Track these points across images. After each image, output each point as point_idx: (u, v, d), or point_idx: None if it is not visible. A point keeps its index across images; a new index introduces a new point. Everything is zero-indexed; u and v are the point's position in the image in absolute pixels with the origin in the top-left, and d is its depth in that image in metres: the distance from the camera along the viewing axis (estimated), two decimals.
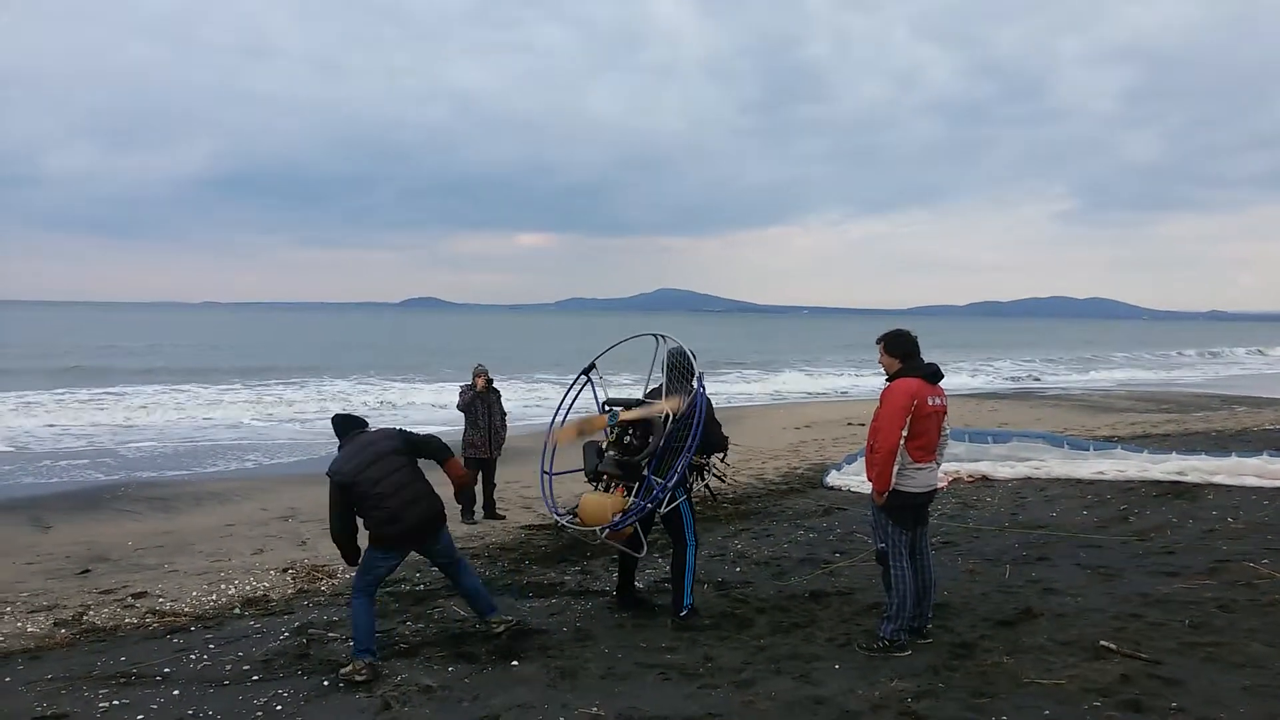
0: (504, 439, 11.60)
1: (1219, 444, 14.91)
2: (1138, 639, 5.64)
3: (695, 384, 6.38)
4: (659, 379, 6.82)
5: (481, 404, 11.33)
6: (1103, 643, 5.55)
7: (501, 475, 12.07)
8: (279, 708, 5.16)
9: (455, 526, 10.85)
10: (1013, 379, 43.05)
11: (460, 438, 11.37)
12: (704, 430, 6.26)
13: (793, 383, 39.76)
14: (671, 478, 6.19)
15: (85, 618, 7.35)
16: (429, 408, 27.93)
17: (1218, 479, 11.38)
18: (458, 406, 11.48)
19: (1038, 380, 42.32)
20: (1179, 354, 64.63)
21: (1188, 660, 5.26)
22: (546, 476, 7.01)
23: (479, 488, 11.38)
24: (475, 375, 11.48)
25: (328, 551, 9.56)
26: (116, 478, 14.88)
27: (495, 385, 11.70)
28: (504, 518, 11.32)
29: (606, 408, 6.75)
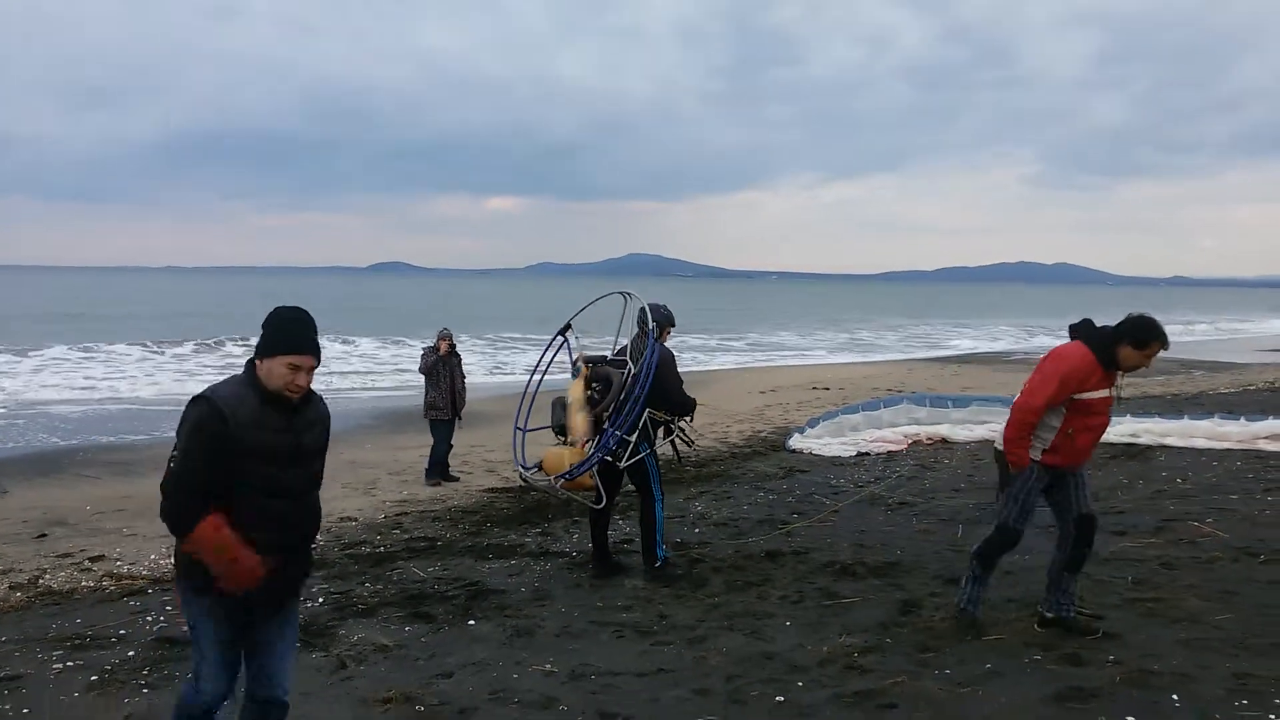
0: (465, 401, 11.67)
1: (1174, 407, 15.20)
2: (1082, 595, 5.76)
3: (649, 339, 6.47)
4: (625, 341, 6.91)
5: (444, 367, 11.40)
6: (1039, 608, 5.68)
7: (465, 439, 12.10)
8: None
9: (419, 489, 10.93)
10: (978, 343, 43.49)
11: (421, 399, 11.56)
12: (665, 387, 6.37)
13: (760, 346, 39.96)
14: (619, 421, 6.27)
15: (41, 581, 7.30)
16: (392, 370, 27.83)
17: (1169, 441, 11.65)
18: (420, 369, 11.64)
19: (1001, 344, 42.79)
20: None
21: (1128, 615, 5.41)
22: (519, 433, 7.09)
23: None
24: (439, 339, 11.54)
25: None
26: (75, 442, 14.72)
27: (458, 349, 11.78)
28: (458, 479, 11.39)
29: (576, 365, 6.85)
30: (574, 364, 6.85)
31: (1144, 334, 4.86)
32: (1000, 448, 5.17)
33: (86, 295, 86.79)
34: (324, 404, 3.69)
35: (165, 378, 24.68)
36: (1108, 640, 5.01)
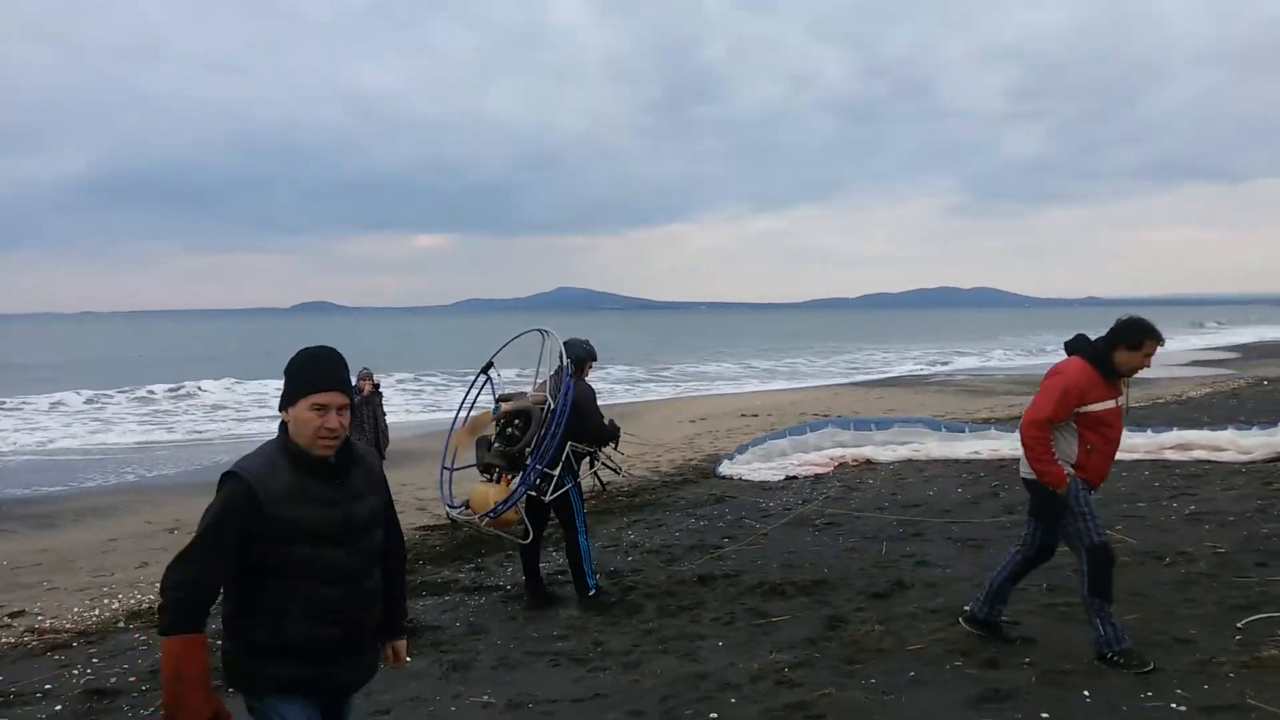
0: (388, 440, 11.72)
1: None
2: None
3: (564, 375, 6.62)
4: (545, 375, 7.03)
5: (367, 407, 11.39)
6: (967, 608, 5.90)
7: (395, 478, 12.00)
8: None
9: None
10: (901, 367, 44.43)
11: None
12: (584, 420, 6.52)
13: (689, 376, 40.28)
14: (538, 457, 6.38)
15: None
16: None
17: None
18: None
19: (922, 367, 43.80)
20: (1054, 337, 67.85)
21: (1043, 620, 5.66)
22: (446, 472, 7.14)
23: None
24: (360, 378, 11.47)
25: None
26: None
27: (380, 389, 11.82)
28: None
29: (498, 403, 6.95)
30: (497, 402, 6.96)
31: (1135, 334, 4.89)
32: (1029, 476, 5.06)
33: (7, 344, 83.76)
34: (377, 462, 3.15)
35: (81, 429, 23.92)
36: (1024, 644, 5.24)
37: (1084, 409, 4.91)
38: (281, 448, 2.89)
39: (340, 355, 2.99)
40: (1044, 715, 4.27)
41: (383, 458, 11.45)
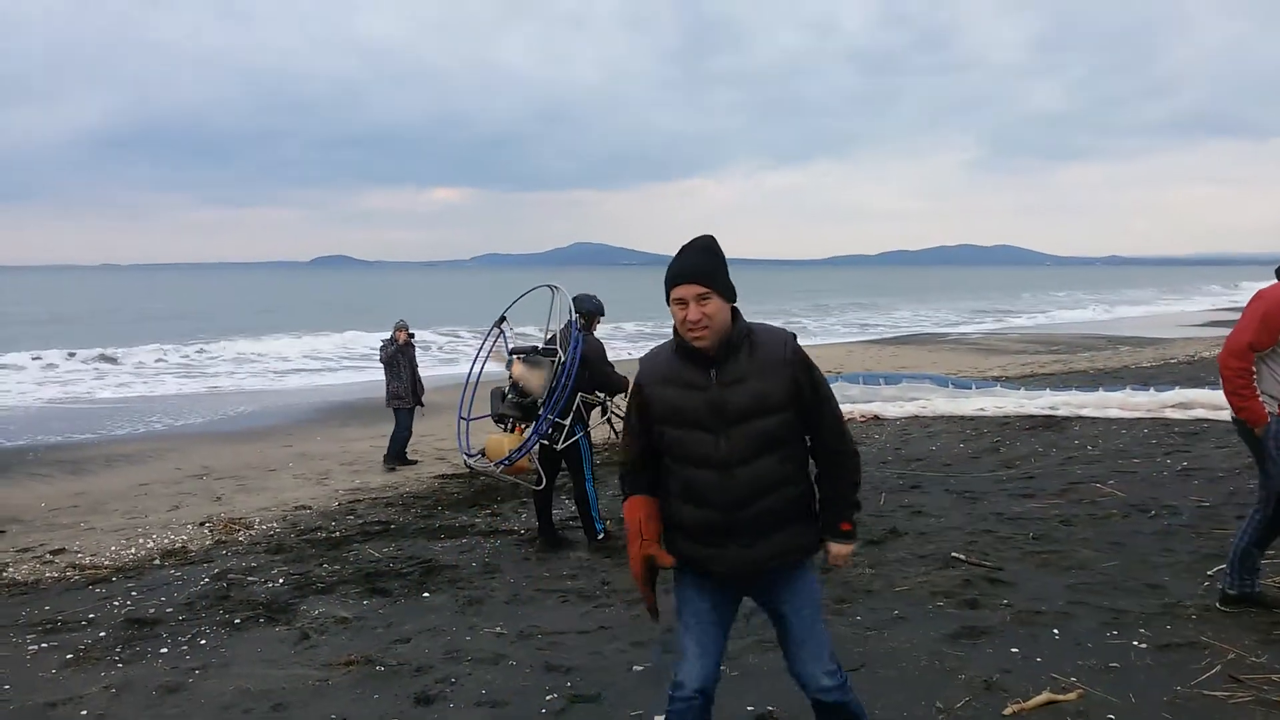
0: (424, 389, 12.36)
1: (1095, 381, 15.99)
2: (986, 550, 6.35)
3: (573, 329, 6.94)
4: (554, 330, 7.36)
5: (403, 357, 11.96)
6: (954, 554, 6.24)
7: (415, 428, 12.44)
8: (203, 642, 5.53)
9: (371, 477, 11.27)
10: (917, 325, 44.53)
11: (384, 390, 12.29)
12: (595, 372, 6.88)
13: None
14: (550, 408, 6.72)
15: (4, 574, 7.53)
16: (339, 366, 27.97)
17: (1085, 412, 12.33)
18: (380, 359, 12.22)
19: (938, 325, 43.91)
20: (1070, 295, 67.69)
21: (1024, 566, 5.97)
22: (463, 422, 7.50)
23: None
24: (396, 330, 12.09)
25: (243, 506, 9.86)
26: (22, 442, 14.77)
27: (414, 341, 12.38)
28: (416, 463, 11.86)
29: (511, 355, 7.29)
30: (509, 356, 7.29)
31: None
32: (1235, 417, 4.74)
33: (16, 296, 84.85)
34: (778, 347, 3.01)
35: (111, 381, 24.47)
36: (1004, 587, 5.56)
37: None
38: (674, 334, 3.05)
39: (704, 244, 2.99)
40: (1014, 650, 4.59)
41: (420, 404, 12.11)
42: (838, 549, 3.13)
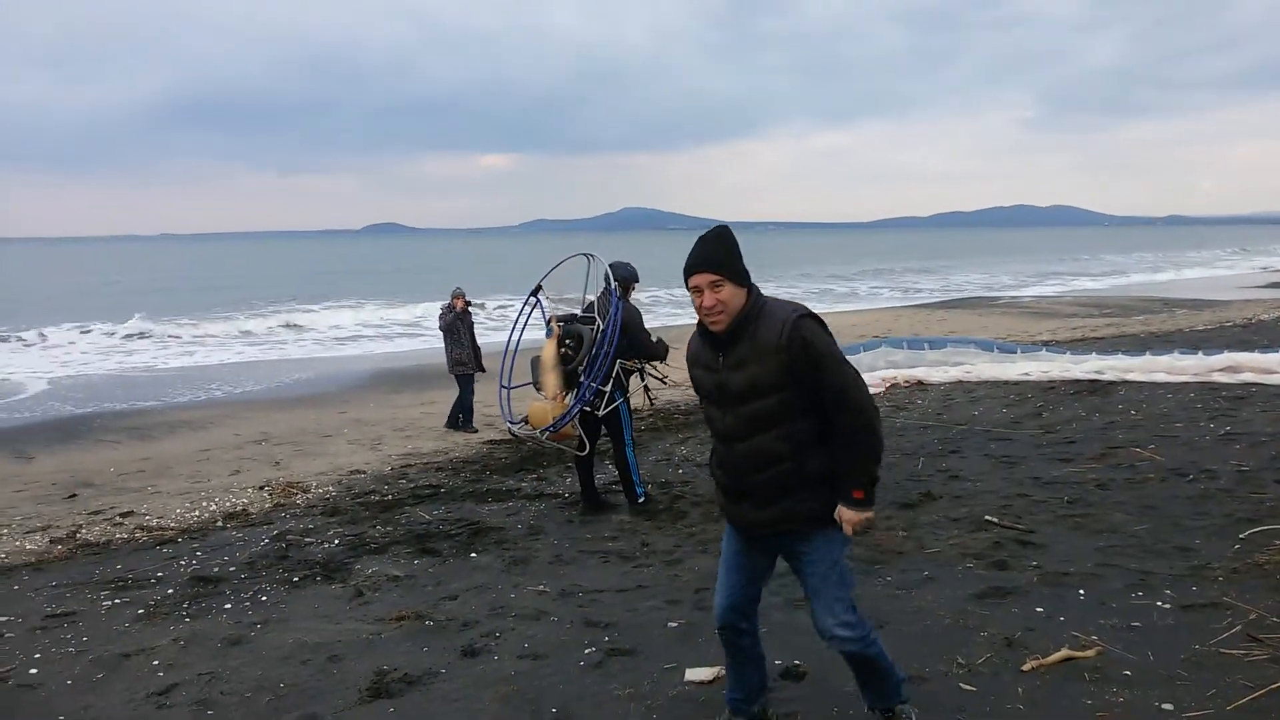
0: (482, 354, 12.61)
1: (1144, 345, 15.82)
2: (1020, 514, 6.45)
3: (611, 296, 7.09)
4: (591, 298, 7.54)
5: (462, 324, 12.25)
6: (987, 517, 6.36)
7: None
8: (264, 598, 5.86)
9: (423, 443, 11.60)
10: (967, 289, 44.03)
11: (443, 356, 12.62)
12: (633, 338, 7.03)
13: None
14: (594, 376, 6.91)
15: (78, 535, 7.96)
16: (394, 333, 28.52)
17: (1131, 376, 12.26)
18: (440, 327, 12.50)
19: (990, 289, 43.37)
20: (1128, 257, 66.25)
21: (1056, 529, 6.07)
22: (504, 390, 7.73)
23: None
24: (454, 297, 12.40)
25: (301, 470, 10.24)
26: (89, 409, 15.37)
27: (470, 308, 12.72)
28: (477, 431, 12.15)
29: (549, 324, 7.47)
30: (547, 324, 7.46)
31: None
32: None
33: (81, 267, 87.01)
34: (774, 332, 3.18)
35: (175, 349, 25.26)
36: (1034, 549, 5.68)
37: None
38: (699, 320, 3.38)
39: (717, 235, 3.27)
40: (1038, 610, 4.73)
41: (482, 369, 12.39)
42: (849, 515, 3.24)
